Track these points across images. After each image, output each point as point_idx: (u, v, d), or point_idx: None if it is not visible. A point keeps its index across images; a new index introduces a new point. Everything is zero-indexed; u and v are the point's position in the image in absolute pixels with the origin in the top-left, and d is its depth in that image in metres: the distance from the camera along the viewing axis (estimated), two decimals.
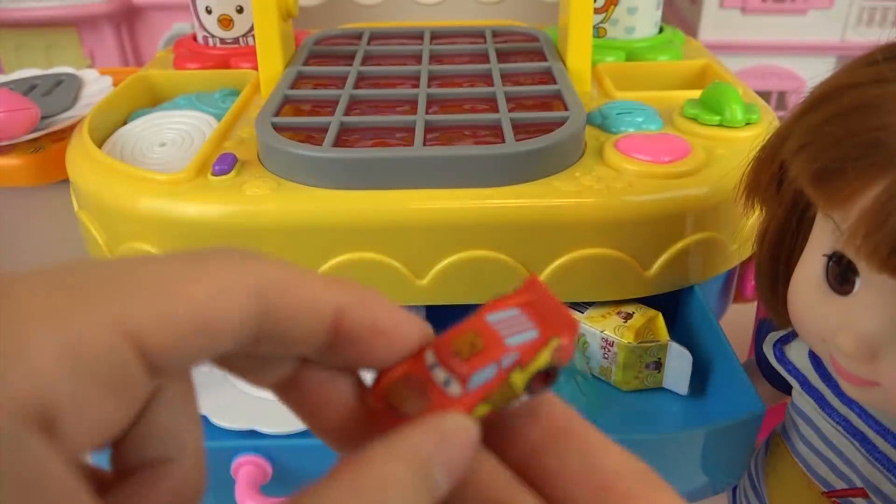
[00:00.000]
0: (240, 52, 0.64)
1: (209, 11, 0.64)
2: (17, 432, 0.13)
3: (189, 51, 0.65)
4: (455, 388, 0.17)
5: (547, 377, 0.18)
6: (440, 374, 0.18)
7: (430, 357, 0.18)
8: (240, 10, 0.64)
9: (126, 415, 0.16)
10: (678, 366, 0.44)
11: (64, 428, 0.14)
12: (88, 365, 0.14)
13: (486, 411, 0.18)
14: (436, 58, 0.59)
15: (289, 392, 0.19)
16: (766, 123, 0.50)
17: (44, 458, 0.13)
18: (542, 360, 0.18)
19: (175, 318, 0.15)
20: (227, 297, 0.16)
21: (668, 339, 0.44)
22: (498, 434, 0.18)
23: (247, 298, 0.16)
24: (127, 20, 0.88)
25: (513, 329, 0.18)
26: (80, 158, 0.49)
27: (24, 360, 0.13)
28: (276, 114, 0.49)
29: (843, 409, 0.35)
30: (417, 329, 0.19)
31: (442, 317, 0.53)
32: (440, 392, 0.18)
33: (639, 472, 0.17)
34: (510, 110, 0.48)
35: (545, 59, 0.58)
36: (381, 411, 0.18)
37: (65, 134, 0.57)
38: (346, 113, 0.49)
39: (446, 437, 0.17)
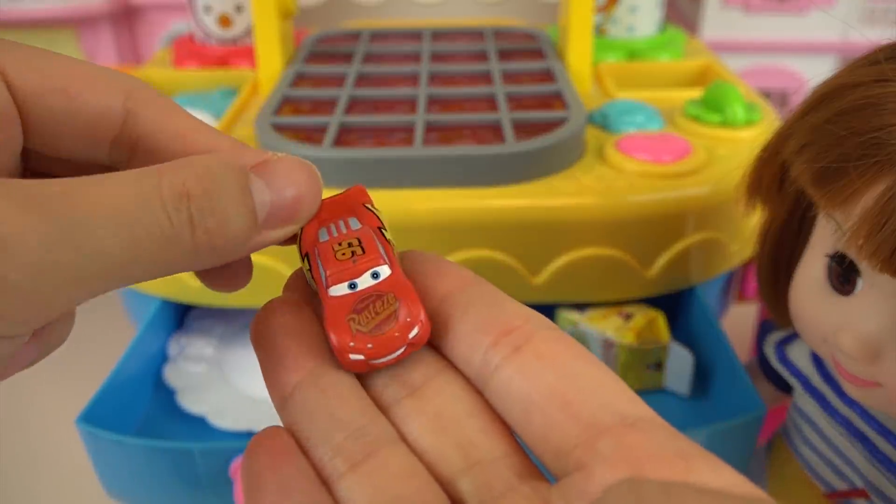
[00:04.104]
0: (239, 52, 0.64)
1: (208, 10, 0.64)
2: None
3: (188, 50, 0.65)
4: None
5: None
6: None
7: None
8: (239, 9, 0.64)
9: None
10: (679, 366, 0.44)
11: None
12: None
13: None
14: (436, 57, 0.59)
15: None
16: (768, 123, 0.49)
17: None
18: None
19: (43, 71, 0.18)
20: (97, 80, 0.18)
21: (670, 339, 0.44)
22: None
23: (114, 90, 0.19)
24: (125, 19, 0.88)
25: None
26: None
27: None
28: (276, 113, 0.48)
29: (845, 410, 0.35)
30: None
31: None
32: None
33: (542, 320, 0.19)
34: (510, 110, 0.48)
35: (545, 59, 0.57)
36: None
37: None
38: (346, 112, 0.49)
39: (280, 159, 0.19)
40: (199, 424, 0.44)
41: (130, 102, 0.19)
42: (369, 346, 0.18)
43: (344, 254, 0.20)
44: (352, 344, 0.18)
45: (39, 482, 0.50)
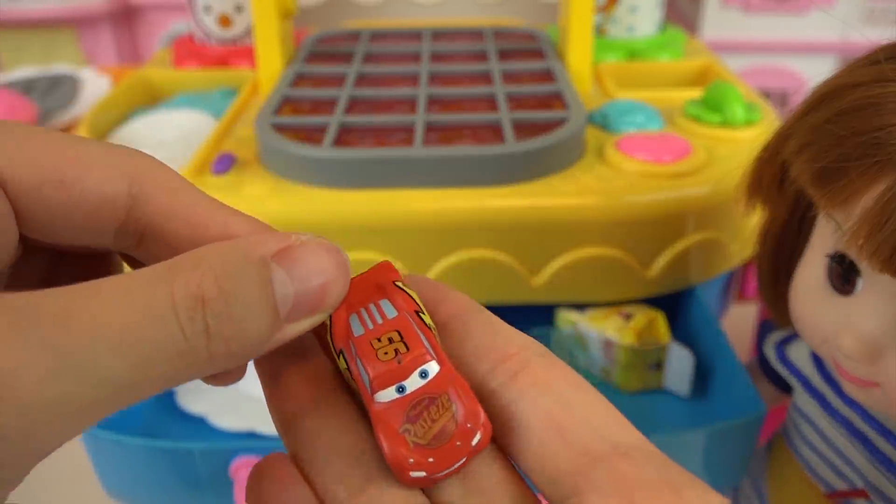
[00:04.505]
0: (239, 52, 0.64)
1: (208, 10, 0.64)
2: None
3: (188, 50, 0.65)
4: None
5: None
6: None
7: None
8: (239, 9, 0.64)
9: None
10: (679, 367, 0.44)
11: None
12: None
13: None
14: (436, 57, 0.59)
15: None
16: (768, 123, 0.49)
17: None
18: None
19: (36, 162, 0.16)
20: (97, 165, 0.17)
21: (670, 339, 0.44)
22: None
23: (116, 175, 0.17)
24: (125, 19, 0.88)
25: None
26: None
27: None
28: (276, 113, 0.48)
29: (845, 410, 0.35)
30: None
31: None
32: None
33: (538, 347, 0.18)
34: (510, 110, 0.48)
35: (545, 59, 0.57)
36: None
37: None
38: (346, 112, 0.49)
39: (304, 243, 0.17)
40: (199, 424, 0.44)
41: (136, 186, 0.17)
42: (430, 459, 0.16)
43: (386, 353, 0.18)
44: (411, 460, 0.16)
45: (39, 482, 0.50)
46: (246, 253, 0.16)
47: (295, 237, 0.17)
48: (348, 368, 0.18)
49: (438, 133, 0.47)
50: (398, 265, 0.43)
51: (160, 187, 0.17)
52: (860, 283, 0.30)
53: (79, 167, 0.17)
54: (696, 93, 0.53)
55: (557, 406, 0.17)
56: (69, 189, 0.16)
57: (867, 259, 0.27)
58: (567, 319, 0.46)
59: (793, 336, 0.40)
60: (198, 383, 0.20)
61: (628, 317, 0.45)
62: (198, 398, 0.45)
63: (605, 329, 0.44)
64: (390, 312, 0.18)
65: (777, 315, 0.39)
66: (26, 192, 0.16)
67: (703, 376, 0.44)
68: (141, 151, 0.18)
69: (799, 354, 0.39)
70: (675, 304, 0.49)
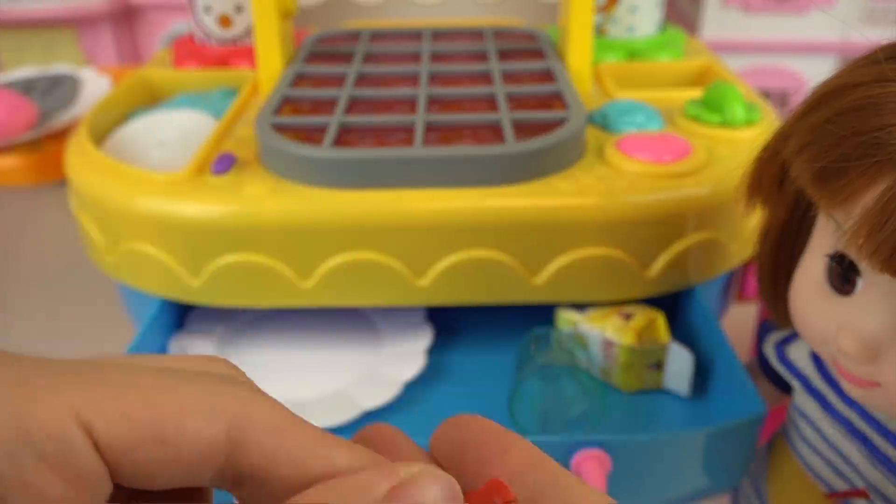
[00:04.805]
0: (239, 52, 0.64)
1: (208, 11, 0.64)
2: None
3: (188, 50, 0.65)
4: None
5: None
6: None
7: None
8: (239, 9, 0.64)
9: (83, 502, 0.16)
10: (679, 367, 0.44)
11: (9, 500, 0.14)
12: (34, 443, 0.15)
13: None
14: (436, 57, 0.59)
15: None
16: (768, 123, 0.49)
17: None
18: None
19: (133, 418, 0.16)
20: (195, 412, 0.16)
21: (670, 339, 0.44)
22: (471, 471, 0.18)
23: (215, 422, 0.16)
24: (126, 19, 0.88)
25: None
26: (79, 158, 0.48)
27: None
28: (276, 113, 0.48)
29: (845, 410, 0.35)
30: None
31: (443, 317, 0.53)
32: None
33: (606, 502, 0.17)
34: (510, 110, 0.48)
35: (545, 59, 0.57)
36: None
37: (63, 134, 0.57)
38: (346, 112, 0.49)
39: (414, 478, 0.16)
40: None
41: (235, 430, 0.16)
42: None
43: None
44: None
45: None
46: (358, 499, 0.16)
47: (404, 470, 0.16)
48: None
49: (438, 133, 0.47)
50: (398, 265, 0.43)
51: (261, 429, 0.17)
52: (860, 283, 0.30)
53: (177, 419, 0.16)
54: (696, 93, 0.53)
55: None
56: (167, 445, 0.16)
57: (867, 259, 0.27)
58: (567, 319, 0.46)
59: (792, 336, 0.40)
60: None
61: (628, 317, 0.45)
62: None
63: (605, 329, 0.44)
64: None
65: (777, 315, 0.39)
66: (123, 452, 0.16)
67: (702, 376, 0.44)
68: (238, 384, 0.17)
69: (799, 354, 0.39)
70: (675, 304, 0.49)
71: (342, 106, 0.49)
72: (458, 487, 0.17)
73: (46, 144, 0.57)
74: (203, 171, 0.45)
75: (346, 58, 0.59)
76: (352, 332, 0.50)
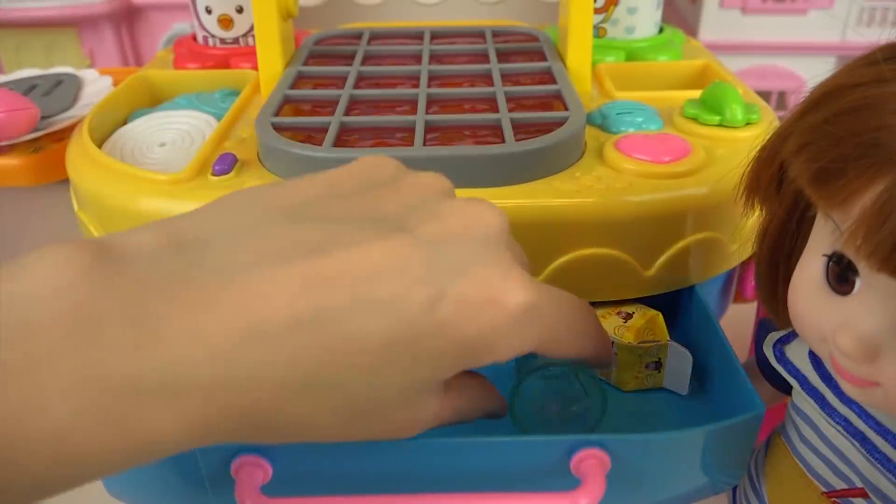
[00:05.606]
0: (240, 52, 0.64)
1: (209, 11, 0.64)
2: None
3: (189, 51, 0.65)
4: None
5: None
6: None
7: None
8: (240, 10, 0.64)
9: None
10: (678, 366, 0.44)
11: None
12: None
13: None
14: (436, 58, 0.59)
15: None
16: (767, 123, 0.50)
17: None
18: None
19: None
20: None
21: (669, 339, 0.44)
22: None
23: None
24: (127, 20, 0.88)
25: None
26: (80, 158, 0.49)
27: None
28: (276, 114, 0.49)
29: (843, 410, 0.35)
30: None
31: None
32: None
33: None
34: (510, 110, 0.48)
35: (545, 59, 0.58)
36: None
37: (64, 134, 0.57)
38: (346, 113, 0.49)
39: None
40: None
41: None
42: None
43: None
44: None
45: None
46: None
47: None
48: None
49: (439, 133, 0.47)
50: None
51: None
52: (858, 283, 0.31)
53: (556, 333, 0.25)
54: (694, 93, 0.53)
55: None
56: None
57: (865, 259, 0.27)
58: None
59: (791, 335, 0.40)
60: None
61: (627, 316, 0.45)
62: None
63: (604, 328, 0.44)
64: None
65: (775, 315, 0.39)
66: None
67: (701, 376, 0.45)
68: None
69: (797, 354, 0.39)
70: (674, 304, 0.49)
71: (342, 106, 0.49)
72: None
73: (47, 145, 0.57)
74: (204, 172, 0.45)
75: (347, 58, 0.59)
76: None
